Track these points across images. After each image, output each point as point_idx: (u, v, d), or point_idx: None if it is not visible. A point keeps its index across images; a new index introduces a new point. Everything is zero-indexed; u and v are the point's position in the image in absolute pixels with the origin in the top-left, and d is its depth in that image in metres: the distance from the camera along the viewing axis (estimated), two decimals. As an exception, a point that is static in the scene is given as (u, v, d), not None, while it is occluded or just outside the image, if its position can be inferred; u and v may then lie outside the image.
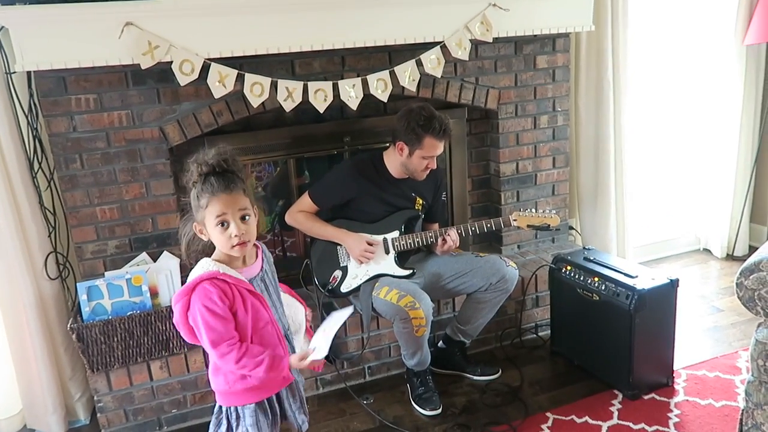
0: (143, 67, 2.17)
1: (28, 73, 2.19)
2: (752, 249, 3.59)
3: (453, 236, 2.41)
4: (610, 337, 2.39)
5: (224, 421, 1.63)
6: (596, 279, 2.42)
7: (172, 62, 2.19)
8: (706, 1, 3.40)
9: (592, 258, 2.55)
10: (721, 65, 3.43)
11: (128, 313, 2.24)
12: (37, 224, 2.31)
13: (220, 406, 1.64)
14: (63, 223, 2.42)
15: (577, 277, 2.50)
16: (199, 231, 1.54)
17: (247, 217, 1.50)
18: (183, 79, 2.23)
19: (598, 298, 2.40)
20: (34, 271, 2.30)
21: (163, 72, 2.28)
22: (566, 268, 2.56)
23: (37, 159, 2.32)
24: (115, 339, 2.21)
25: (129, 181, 2.37)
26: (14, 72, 2.14)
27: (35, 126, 2.30)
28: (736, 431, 1.94)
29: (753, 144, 3.58)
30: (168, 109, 2.37)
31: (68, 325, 2.20)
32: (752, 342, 1.82)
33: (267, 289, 1.62)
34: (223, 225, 1.48)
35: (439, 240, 2.43)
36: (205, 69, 2.24)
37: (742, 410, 1.90)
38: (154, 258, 2.41)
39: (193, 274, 1.52)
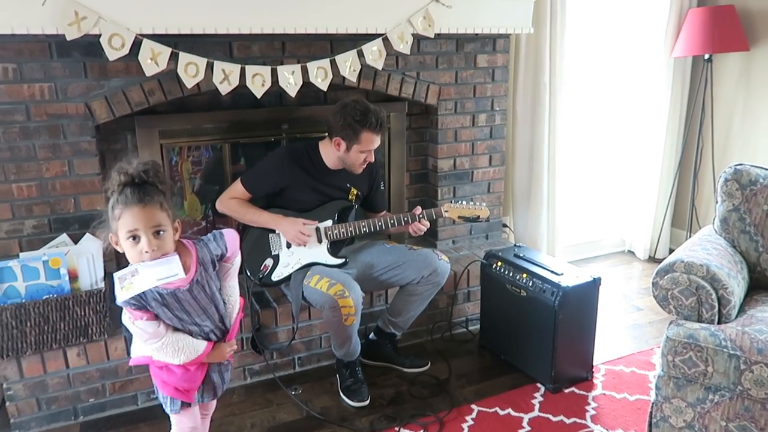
0: (69, 39, 2.06)
1: (-60, 37, 2.05)
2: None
3: (425, 222, 2.48)
4: (534, 332, 2.46)
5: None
6: (524, 275, 2.48)
7: (100, 35, 2.09)
8: (639, 14, 3.55)
9: (522, 255, 2.61)
10: (650, 76, 3.59)
11: (44, 297, 2.13)
12: (-55, 200, 2.16)
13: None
14: (-26, 199, 2.28)
15: (506, 273, 2.56)
16: (114, 242, 1.50)
17: (161, 233, 1.46)
18: (112, 54, 2.13)
19: (525, 293, 2.47)
20: (-61, 249, 2.15)
21: (90, 45, 2.18)
22: (497, 264, 2.62)
23: (-52, 130, 2.17)
24: (29, 324, 2.10)
25: (50, 158, 2.26)
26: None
27: (-54, 94, 2.15)
28: (646, 423, 2.03)
29: (676, 152, 3.77)
30: (95, 84, 2.27)
31: (-24, 308, 2.07)
32: (663, 339, 1.92)
33: (195, 297, 1.57)
34: (134, 239, 1.45)
35: (412, 224, 2.46)
36: (136, 45, 2.16)
37: (652, 403, 2.00)
38: (76, 240, 2.30)
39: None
